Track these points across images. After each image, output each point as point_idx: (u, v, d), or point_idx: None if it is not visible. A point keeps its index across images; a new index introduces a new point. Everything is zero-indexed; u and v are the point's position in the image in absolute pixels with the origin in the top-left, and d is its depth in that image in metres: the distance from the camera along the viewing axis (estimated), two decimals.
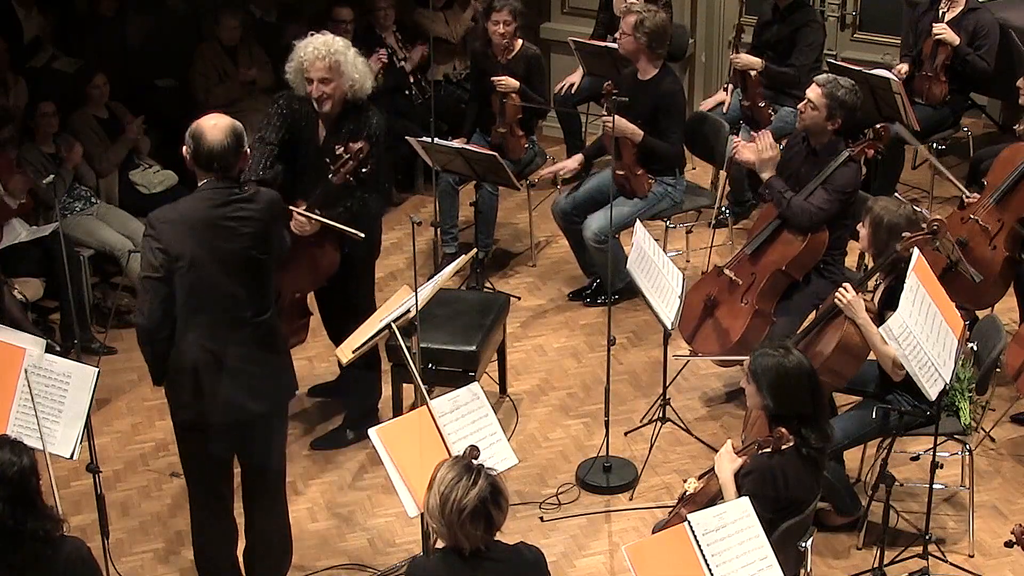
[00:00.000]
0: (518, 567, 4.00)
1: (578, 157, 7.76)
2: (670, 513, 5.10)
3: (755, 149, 6.43)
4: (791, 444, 4.67)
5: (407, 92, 8.68)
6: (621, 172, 7.19)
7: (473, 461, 3.93)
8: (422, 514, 4.83)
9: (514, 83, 7.71)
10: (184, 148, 4.81)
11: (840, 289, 5.51)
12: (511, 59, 7.80)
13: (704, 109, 8.20)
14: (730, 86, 8.21)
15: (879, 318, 5.37)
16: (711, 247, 7.64)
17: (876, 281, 5.73)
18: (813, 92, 6.20)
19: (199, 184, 4.85)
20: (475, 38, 8.56)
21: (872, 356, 5.51)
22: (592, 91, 8.70)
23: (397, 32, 8.73)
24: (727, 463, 4.77)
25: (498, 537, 3.98)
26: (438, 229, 7.74)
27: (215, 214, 4.77)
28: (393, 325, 5.24)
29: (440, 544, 4.07)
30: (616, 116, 6.75)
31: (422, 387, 5.04)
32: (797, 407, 4.71)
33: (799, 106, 6.36)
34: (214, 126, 4.78)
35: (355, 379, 6.30)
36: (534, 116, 8.03)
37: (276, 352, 5.03)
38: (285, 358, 5.16)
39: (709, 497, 4.82)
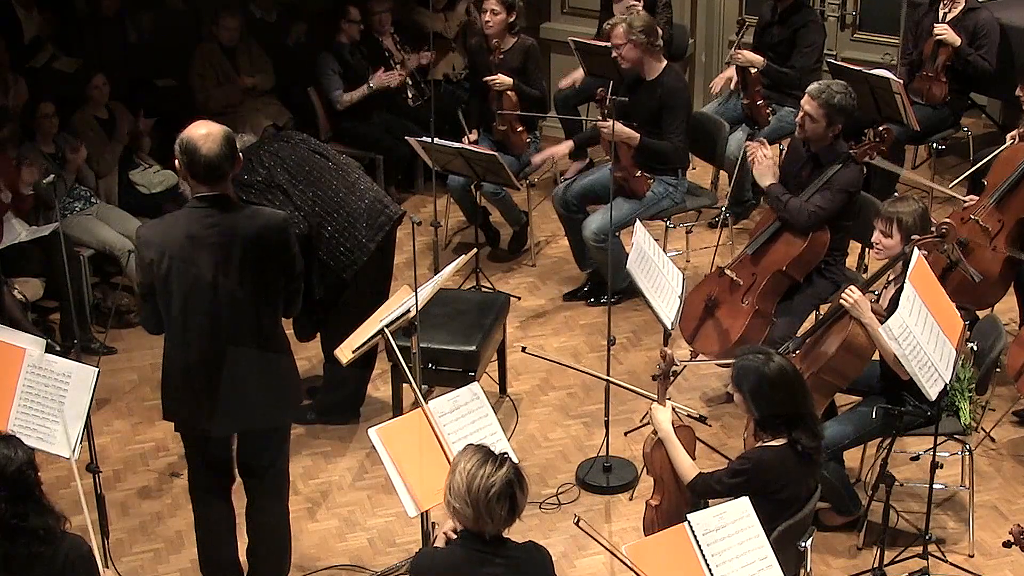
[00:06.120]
0: (530, 564, 4.01)
1: (568, 143, 7.76)
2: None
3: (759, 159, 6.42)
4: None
5: (404, 94, 8.68)
6: (619, 174, 7.18)
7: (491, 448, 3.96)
8: (422, 514, 4.84)
9: (507, 80, 7.71)
10: (176, 161, 4.72)
11: (847, 289, 5.49)
12: (507, 51, 7.80)
13: (715, 89, 8.28)
14: (734, 67, 8.14)
15: (886, 320, 5.36)
16: (714, 247, 7.62)
17: (886, 281, 5.70)
18: (809, 105, 6.14)
19: (193, 195, 4.75)
20: (472, 33, 8.56)
21: (875, 356, 5.51)
22: (592, 91, 8.69)
23: (395, 34, 8.73)
24: (659, 413, 5.03)
25: None
26: (437, 228, 7.74)
27: (201, 233, 4.69)
28: (387, 331, 5.22)
29: (440, 543, 4.07)
30: (612, 121, 6.75)
31: (416, 387, 5.03)
32: (779, 410, 4.72)
33: (796, 119, 6.32)
34: (207, 135, 4.66)
35: (332, 371, 6.28)
36: (537, 110, 8.00)
37: (281, 359, 4.98)
38: (290, 365, 5.10)
39: (662, 464, 5.04)
